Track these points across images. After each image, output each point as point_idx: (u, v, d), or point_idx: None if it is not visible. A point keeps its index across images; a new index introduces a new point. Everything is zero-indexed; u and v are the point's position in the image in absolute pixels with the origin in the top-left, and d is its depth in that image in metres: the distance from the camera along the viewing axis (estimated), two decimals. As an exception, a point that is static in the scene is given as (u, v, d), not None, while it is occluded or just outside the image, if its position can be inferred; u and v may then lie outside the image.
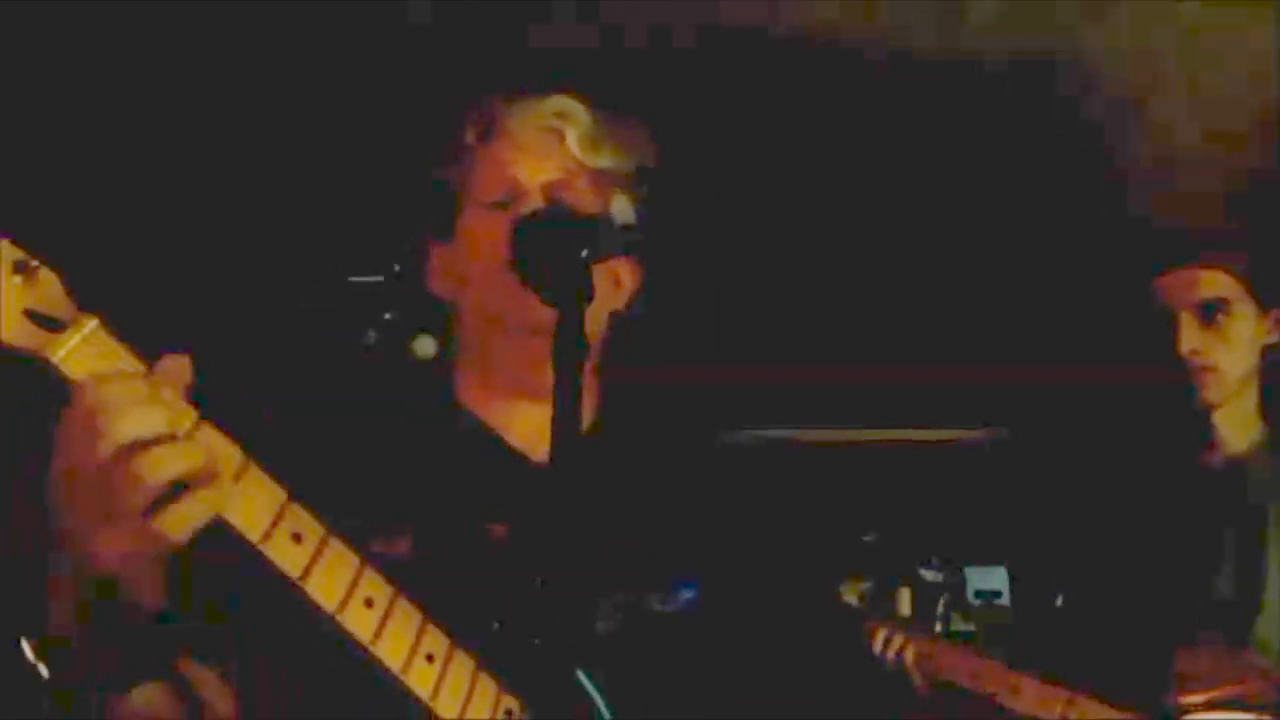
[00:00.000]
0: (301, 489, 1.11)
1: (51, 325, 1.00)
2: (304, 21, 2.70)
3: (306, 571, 1.07)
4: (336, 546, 1.10)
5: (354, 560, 1.11)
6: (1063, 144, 3.11)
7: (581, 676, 1.25)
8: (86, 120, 2.88)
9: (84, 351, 1.01)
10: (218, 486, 1.04)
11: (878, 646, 2.56)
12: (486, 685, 1.20)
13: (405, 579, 1.18)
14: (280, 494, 1.07)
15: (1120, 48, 2.76)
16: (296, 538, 1.07)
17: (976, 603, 4.10)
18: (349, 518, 1.35)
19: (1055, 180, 3.26)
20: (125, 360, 1.03)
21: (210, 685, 1.20)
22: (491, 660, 1.22)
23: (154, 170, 3.05)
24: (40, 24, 2.61)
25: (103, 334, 1.03)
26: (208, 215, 3.19)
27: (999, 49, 2.77)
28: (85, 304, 1.04)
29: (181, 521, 1.03)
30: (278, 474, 1.10)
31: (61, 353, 1.00)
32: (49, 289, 1.01)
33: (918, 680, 2.54)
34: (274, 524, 1.07)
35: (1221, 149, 3.13)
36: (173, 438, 1.02)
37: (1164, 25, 2.68)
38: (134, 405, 1.01)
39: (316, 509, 1.11)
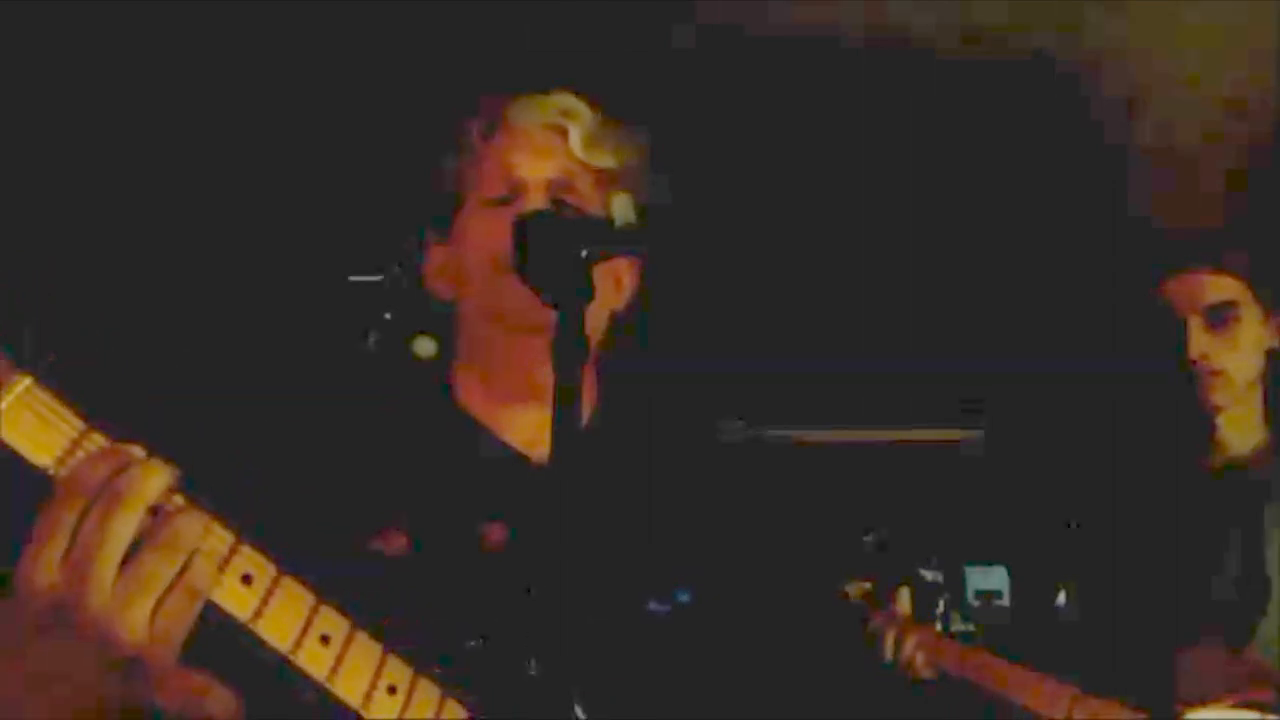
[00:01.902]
0: (302, 490, 1.10)
1: None
2: (305, 19, 2.69)
3: (257, 614, 1.05)
4: (289, 585, 1.07)
5: (308, 598, 1.08)
6: (1065, 145, 3.11)
7: (566, 699, 1.23)
8: (75, 120, 2.88)
9: (17, 411, 0.97)
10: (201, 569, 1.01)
11: (886, 643, 2.57)
12: (454, 711, 1.18)
13: (401, 579, 1.17)
14: (228, 536, 1.04)
15: (1120, 49, 2.76)
16: (246, 579, 1.04)
17: (976, 603, 4.10)
18: (347, 517, 1.35)
19: (1059, 183, 3.26)
20: (62, 418, 0.99)
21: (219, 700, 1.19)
22: (468, 675, 1.21)
23: (151, 174, 3.05)
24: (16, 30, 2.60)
25: (38, 391, 0.98)
26: (209, 218, 3.19)
27: (1001, 50, 2.77)
28: (85, 312, 1.02)
29: (180, 621, 0.99)
30: (277, 475, 1.09)
31: None
32: None
33: (926, 676, 2.55)
34: (222, 568, 1.03)
35: (1222, 150, 3.13)
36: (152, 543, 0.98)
37: (1165, 26, 2.68)
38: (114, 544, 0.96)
39: (316, 509, 1.10)
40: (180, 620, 0.99)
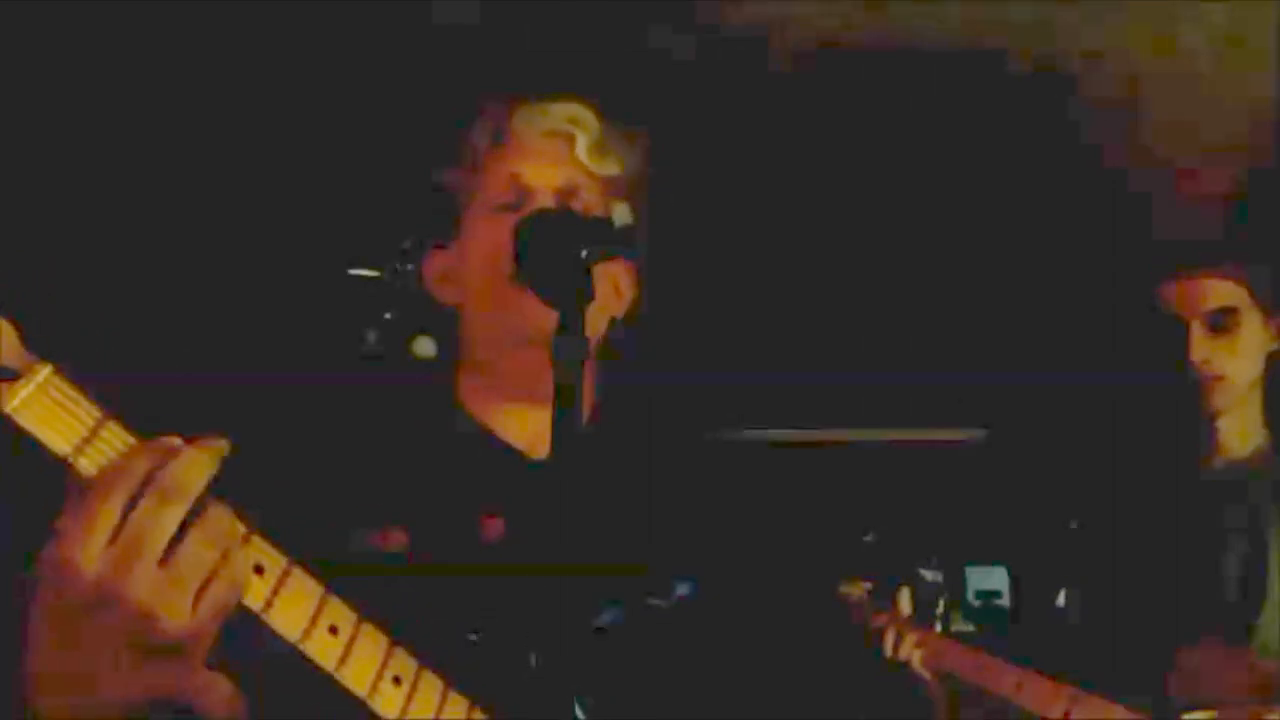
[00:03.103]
0: (301, 491, 1.10)
1: (4, 375, 0.98)
2: (310, 25, 2.70)
3: (268, 603, 1.07)
4: (299, 575, 1.09)
5: (318, 588, 1.10)
6: (1065, 145, 3.11)
7: (566, 696, 1.24)
8: (76, 126, 2.88)
9: (38, 400, 0.99)
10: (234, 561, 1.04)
11: (887, 643, 2.57)
12: (457, 703, 1.20)
13: (401, 575, 1.18)
14: (241, 527, 1.06)
15: (1121, 50, 2.76)
16: (258, 569, 1.07)
17: (976, 603, 4.11)
18: (348, 515, 1.36)
19: (1060, 187, 3.26)
20: (80, 406, 1.01)
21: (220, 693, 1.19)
22: (466, 671, 1.21)
23: (151, 177, 3.05)
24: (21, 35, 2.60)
25: (57, 381, 1.00)
26: (212, 219, 3.20)
27: (1000, 55, 2.77)
28: (89, 313, 1.03)
29: (220, 609, 1.02)
30: (277, 476, 1.09)
31: (15, 402, 0.98)
32: (2, 339, 0.99)
33: (926, 676, 2.56)
34: None
35: (1222, 153, 3.13)
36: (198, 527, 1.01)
37: (1165, 26, 2.68)
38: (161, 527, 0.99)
39: (316, 509, 1.11)
40: (219, 610, 1.02)
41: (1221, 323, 2.42)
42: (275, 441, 1.37)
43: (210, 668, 1.07)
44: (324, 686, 1.12)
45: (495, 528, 1.42)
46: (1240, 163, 3.15)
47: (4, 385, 0.98)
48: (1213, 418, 2.45)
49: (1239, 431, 2.48)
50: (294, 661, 1.10)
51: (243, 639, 1.06)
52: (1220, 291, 2.43)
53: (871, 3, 2.62)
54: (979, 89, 2.88)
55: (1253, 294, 2.44)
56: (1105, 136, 3.08)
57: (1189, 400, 2.44)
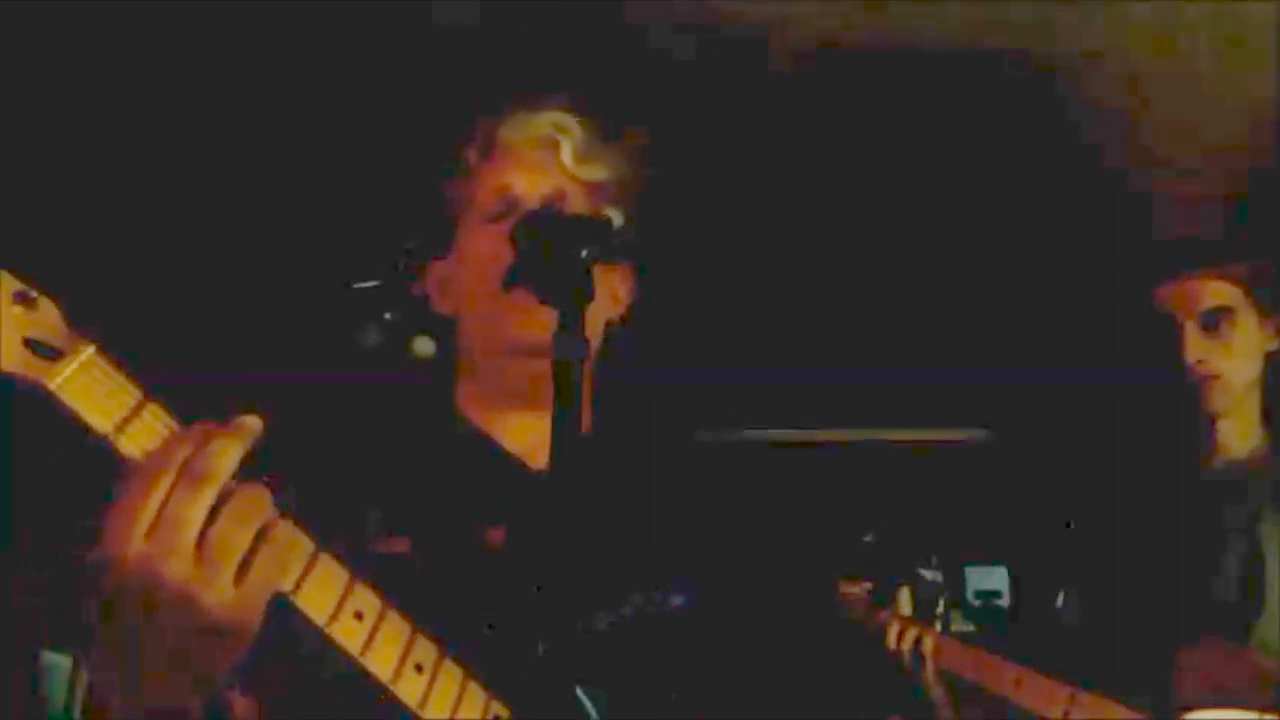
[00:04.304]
0: (302, 492, 1.11)
1: (49, 353, 1.01)
2: (305, 40, 2.70)
3: (297, 586, 1.08)
4: (326, 560, 1.11)
5: (344, 574, 1.12)
6: (1064, 149, 3.11)
7: (575, 685, 1.25)
8: (85, 135, 2.89)
9: (80, 379, 1.02)
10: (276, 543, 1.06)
11: (891, 639, 2.58)
12: (475, 693, 1.21)
13: (404, 581, 1.18)
14: (274, 507, 1.08)
15: (1121, 50, 2.76)
16: None
17: (976, 603, 4.11)
18: (349, 521, 1.36)
19: (1060, 187, 3.26)
20: (122, 387, 1.04)
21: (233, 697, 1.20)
22: (482, 666, 1.22)
23: (153, 187, 3.06)
24: (35, 41, 2.61)
25: (100, 361, 1.03)
26: (211, 226, 3.20)
27: (998, 54, 2.77)
28: (88, 322, 1.05)
29: (264, 586, 1.05)
30: (279, 477, 1.10)
31: (58, 380, 1.01)
32: (48, 318, 1.03)
33: (928, 674, 2.56)
34: None
35: (1221, 153, 3.13)
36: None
37: (1165, 26, 2.68)
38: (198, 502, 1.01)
39: (318, 514, 1.11)
40: (263, 586, 1.04)
41: (1216, 323, 2.42)
42: (270, 450, 1.38)
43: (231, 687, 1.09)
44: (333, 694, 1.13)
45: (495, 536, 1.42)
46: (1240, 163, 3.15)
47: (48, 363, 1.01)
48: (1211, 418, 2.45)
49: (1238, 431, 2.48)
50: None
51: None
52: (1215, 292, 2.43)
53: (871, 3, 2.62)
54: (979, 89, 2.88)
55: (1249, 294, 2.44)
56: (1105, 136, 3.08)
57: (1188, 400, 2.44)
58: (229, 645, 1.04)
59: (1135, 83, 2.88)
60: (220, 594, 1.01)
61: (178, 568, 1.00)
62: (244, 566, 1.03)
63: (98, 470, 1.05)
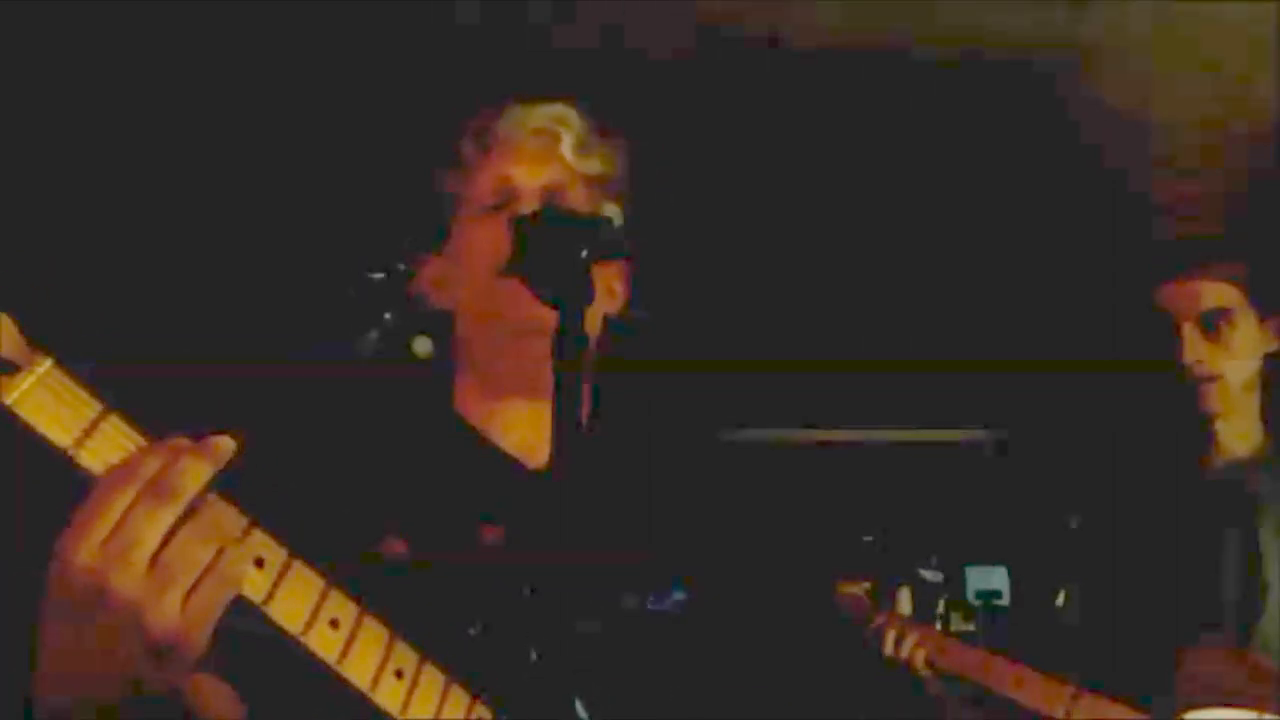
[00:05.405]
0: (301, 495, 1.10)
1: (5, 368, 0.99)
2: (301, 38, 2.70)
3: (269, 596, 1.07)
4: (299, 569, 1.09)
5: (318, 582, 1.10)
6: (1064, 149, 3.11)
7: (568, 683, 1.24)
8: (77, 131, 2.89)
9: (37, 393, 0.99)
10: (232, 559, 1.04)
11: (888, 642, 2.57)
12: (458, 697, 1.20)
13: (400, 580, 1.18)
14: (242, 520, 1.06)
15: (1119, 50, 2.76)
16: (259, 562, 1.07)
17: (976, 603, 4.11)
18: (347, 521, 1.35)
19: (1060, 187, 3.26)
20: (81, 400, 1.01)
21: (223, 697, 1.20)
22: (477, 666, 1.22)
23: (150, 178, 3.05)
24: (9, 47, 2.60)
25: (58, 374, 1.01)
26: (207, 224, 3.20)
27: (998, 55, 2.77)
28: (76, 316, 1.03)
29: (210, 609, 1.02)
30: (276, 478, 1.09)
31: (15, 395, 0.99)
32: (3, 332, 0.99)
33: (926, 675, 2.56)
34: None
35: (1222, 154, 3.13)
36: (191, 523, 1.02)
37: (1167, 26, 2.68)
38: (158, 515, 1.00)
39: (315, 514, 1.11)
40: (210, 609, 1.02)
41: (1215, 324, 2.42)
42: (265, 449, 1.38)
43: (210, 672, 1.07)
44: (320, 690, 1.13)
45: (493, 535, 1.42)
46: (1240, 162, 3.15)
47: (4, 378, 0.98)
48: (1210, 418, 2.45)
49: (1238, 432, 2.48)
50: (291, 665, 1.11)
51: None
52: (1213, 293, 2.43)
53: (871, 3, 2.62)
54: (979, 89, 2.88)
55: (1247, 295, 2.44)
56: (1105, 136, 3.08)
57: (1189, 400, 2.44)
58: (170, 667, 1.01)
59: (1136, 83, 2.88)
60: (165, 616, 0.99)
61: (127, 583, 0.98)
62: (195, 587, 1.00)
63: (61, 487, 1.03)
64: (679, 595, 1.46)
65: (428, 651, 1.18)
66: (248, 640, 1.07)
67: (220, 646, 1.05)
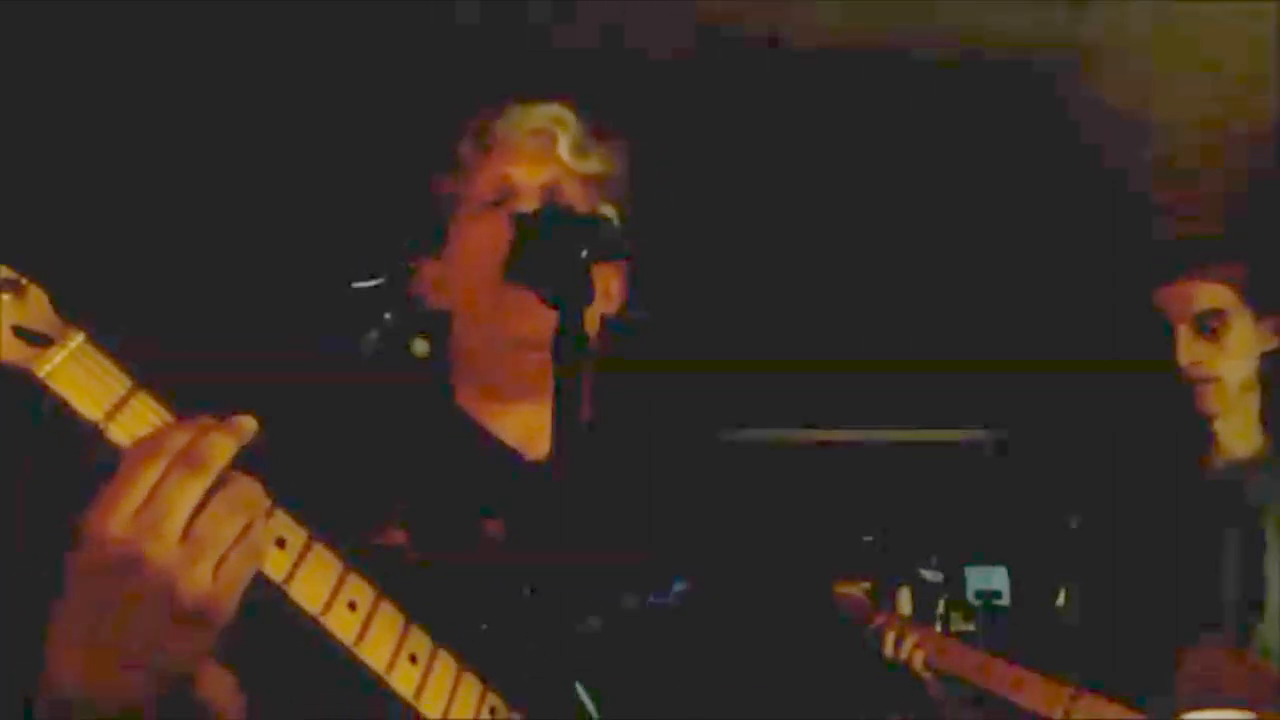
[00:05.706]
0: (301, 487, 1.11)
1: (38, 341, 1.01)
2: (302, 38, 2.71)
3: (290, 576, 1.08)
4: (319, 550, 1.11)
5: (337, 564, 1.12)
6: (1064, 149, 3.11)
7: (570, 678, 1.24)
8: (81, 131, 2.89)
9: (70, 367, 1.02)
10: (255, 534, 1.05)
11: (888, 643, 2.58)
12: (470, 684, 1.21)
13: (401, 574, 1.18)
14: (266, 500, 1.08)
15: (1119, 50, 2.76)
16: (280, 543, 1.08)
17: (976, 603, 4.11)
18: (347, 513, 1.36)
19: (1060, 187, 3.26)
20: (112, 375, 1.04)
21: (224, 687, 1.20)
22: (477, 659, 1.22)
23: (149, 182, 3.06)
24: (30, 32, 2.61)
25: (89, 349, 1.03)
26: (211, 223, 3.20)
27: (998, 55, 2.77)
28: (79, 315, 1.04)
29: (239, 580, 1.04)
30: (278, 471, 1.10)
31: (48, 368, 1.01)
32: (37, 306, 1.02)
33: (925, 676, 2.56)
34: None
35: (1223, 152, 3.13)
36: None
37: (1166, 26, 2.68)
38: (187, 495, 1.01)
39: (315, 505, 1.11)
40: (238, 580, 1.04)
41: (1210, 325, 2.43)
42: (269, 442, 1.38)
43: (218, 663, 1.07)
44: (318, 681, 1.13)
45: (494, 529, 1.42)
46: (1240, 162, 3.16)
47: (38, 351, 1.01)
48: (1208, 419, 2.45)
49: (1237, 432, 2.48)
50: (292, 655, 1.11)
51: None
52: (1207, 294, 2.44)
53: (871, 3, 2.62)
54: (979, 89, 2.88)
55: (1243, 295, 2.45)
56: (1105, 137, 3.08)
57: (1188, 400, 2.44)
58: (198, 636, 1.03)
59: (1136, 83, 2.88)
60: (198, 583, 1.00)
61: (161, 551, 0.99)
62: (224, 558, 1.02)
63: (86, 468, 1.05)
64: (680, 586, 1.47)
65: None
66: (250, 630, 1.08)
67: (226, 634, 1.06)
